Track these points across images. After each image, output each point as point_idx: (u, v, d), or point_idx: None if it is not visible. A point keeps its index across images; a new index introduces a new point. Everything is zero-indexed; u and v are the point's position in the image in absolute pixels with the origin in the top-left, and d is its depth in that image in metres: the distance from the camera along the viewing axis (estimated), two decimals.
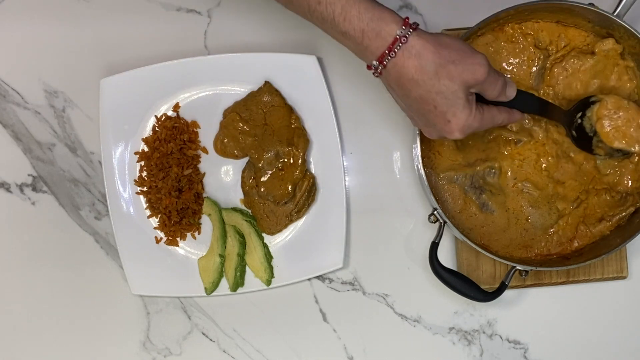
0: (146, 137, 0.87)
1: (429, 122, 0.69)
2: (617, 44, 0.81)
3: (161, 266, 0.87)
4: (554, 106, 0.81)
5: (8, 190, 0.89)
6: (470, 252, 0.86)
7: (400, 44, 0.64)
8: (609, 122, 0.79)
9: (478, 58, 0.66)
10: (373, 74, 0.68)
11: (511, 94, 0.72)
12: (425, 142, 0.83)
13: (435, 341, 0.89)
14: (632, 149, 0.80)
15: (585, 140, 0.81)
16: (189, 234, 0.87)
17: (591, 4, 0.78)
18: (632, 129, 0.79)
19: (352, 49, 0.68)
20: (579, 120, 0.81)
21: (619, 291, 0.89)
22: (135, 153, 0.87)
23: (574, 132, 0.82)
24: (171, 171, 0.85)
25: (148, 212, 0.87)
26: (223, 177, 0.88)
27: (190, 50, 0.88)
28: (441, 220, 0.80)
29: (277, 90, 0.85)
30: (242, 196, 0.87)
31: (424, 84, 0.65)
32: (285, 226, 0.86)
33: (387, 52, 0.65)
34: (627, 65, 0.82)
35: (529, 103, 0.78)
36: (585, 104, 0.81)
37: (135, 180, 0.87)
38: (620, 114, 0.79)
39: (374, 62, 0.66)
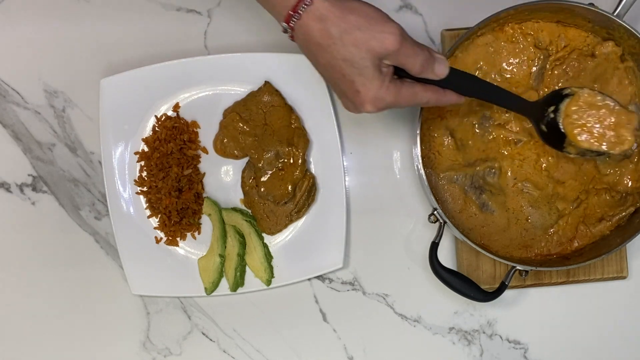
0: (146, 137, 0.87)
1: (342, 92, 0.67)
2: (617, 46, 0.81)
3: (161, 266, 0.87)
4: (511, 95, 0.76)
5: (8, 190, 0.89)
6: (470, 252, 0.86)
7: (305, 6, 0.63)
8: (578, 119, 0.75)
9: (389, 27, 0.63)
10: (289, 37, 0.66)
11: (441, 72, 0.67)
12: (425, 142, 0.83)
13: (435, 341, 0.89)
14: (600, 149, 0.75)
15: (556, 137, 0.77)
16: (189, 234, 0.87)
17: (591, 4, 0.78)
18: (600, 128, 0.75)
19: (266, 9, 0.67)
20: (552, 115, 0.76)
21: (619, 291, 0.89)
22: (135, 153, 0.87)
23: (543, 127, 0.77)
24: (171, 171, 0.85)
25: (148, 212, 0.87)
26: (223, 177, 0.88)
27: (190, 50, 0.88)
28: (441, 220, 0.80)
29: (277, 90, 0.85)
30: (242, 196, 0.87)
31: (330, 50, 0.63)
32: (285, 226, 0.86)
33: (292, 13, 0.63)
34: (627, 66, 0.82)
35: (473, 87, 0.73)
36: (557, 96, 0.77)
37: (135, 180, 0.87)
38: (592, 111, 0.75)
39: (283, 24, 0.65)
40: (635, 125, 0.75)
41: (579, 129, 0.75)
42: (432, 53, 0.67)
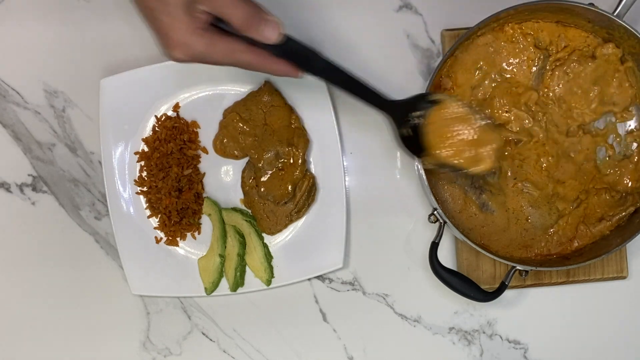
0: (146, 137, 0.87)
1: (154, 33, 0.62)
2: (617, 48, 0.81)
3: (161, 266, 0.87)
4: (364, 86, 0.69)
5: (8, 190, 0.89)
6: (470, 252, 0.86)
7: None
8: (438, 129, 0.71)
9: None
10: None
11: (269, 35, 0.61)
12: None
13: (435, 341, 0.89)
14: (456, 165, 0.73)
15: (418, 144, 0.72)
16: (189, 234, 0.87)
17: (591, 4, 0.78)
18: (460, 143, 0.72)
19: None
20: (416, 120, 0.72)
21: (619, 291, 0.89)
22: (135, 153, 0.87)
23: (405, 131, 0.72)
24: (171, 171, 0.85)
25: (148, 212, 0.87)
26: (223, 177, 0.88)
27: None
28: (441, 220, 0.80)
29: (277, 90, 0.85)
30: (242, 196, 0.87)
31: None
32: (285, 226, 0.86)
33: None
34: (628, 67, 0.82)
35: (315, 66, 0.66)
36: (423, 101, 0.72)
37: (135, 180, 0.87)
38: (456, 124, 0.72)
39: None
40: (497, 147, 0.72)
41: (439, 140, 0.72)
42: (260, 12, 0.61)
